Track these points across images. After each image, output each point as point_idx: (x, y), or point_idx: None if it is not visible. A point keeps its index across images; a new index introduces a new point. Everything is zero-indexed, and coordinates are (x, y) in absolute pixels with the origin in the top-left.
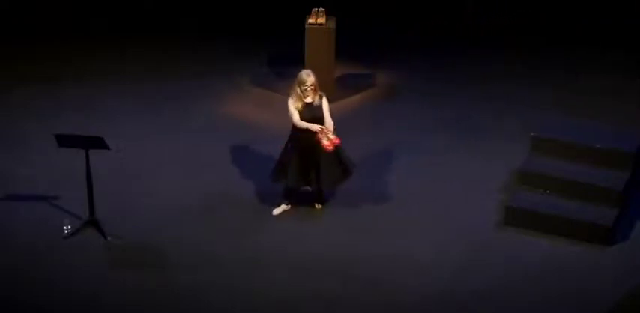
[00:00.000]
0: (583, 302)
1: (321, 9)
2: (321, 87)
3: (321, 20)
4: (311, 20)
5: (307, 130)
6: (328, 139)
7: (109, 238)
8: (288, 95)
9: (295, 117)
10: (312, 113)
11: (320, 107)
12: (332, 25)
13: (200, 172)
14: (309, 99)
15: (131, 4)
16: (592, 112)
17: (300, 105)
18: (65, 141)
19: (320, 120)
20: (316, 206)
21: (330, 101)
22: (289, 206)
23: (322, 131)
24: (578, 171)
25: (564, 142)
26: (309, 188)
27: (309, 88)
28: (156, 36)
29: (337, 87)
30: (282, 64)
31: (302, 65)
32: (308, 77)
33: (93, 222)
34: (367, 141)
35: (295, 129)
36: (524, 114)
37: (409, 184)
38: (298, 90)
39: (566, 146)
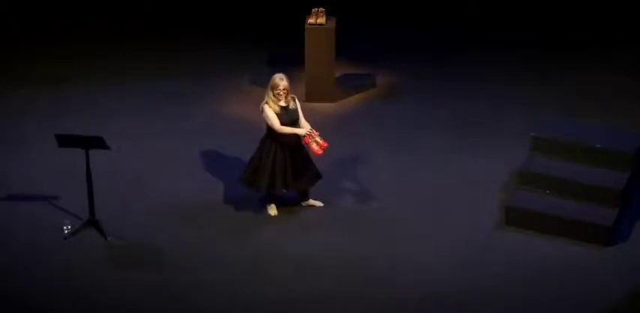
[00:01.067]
0: (583, 302)
1: (321, 9)
2: (321, 87)
3: (321, 20)
4: (311, 20)
5: (289, 134)
6: (317, 144)
7: (109, 238)
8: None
9: (277, 123)
10: (290, 117)
11: (296, 110)
12: (332, 25)
13: (200, 172)
14: (282, 103)
15: (131, 4)
16: (592, 112)
17: (277, 109)
18: (65, 141)
19: (297, 123)
20: (317, 204)
21: (330, 101)
22: (275, 208)
23: (311, 135)
24: (578, 171)
25: (564, 142)
26: (286, 191)
27: (281, 92)
28: (156, 36)
29: (337, 87)
30: (282, 64)
31: (302, 65)
32: (281, 81)
33: (93, 222)
34: (367, 141)
35: (274, 133)
36: (524, 114)
37: (409, 184)
38: (271, 94)
39: (566, 146)
